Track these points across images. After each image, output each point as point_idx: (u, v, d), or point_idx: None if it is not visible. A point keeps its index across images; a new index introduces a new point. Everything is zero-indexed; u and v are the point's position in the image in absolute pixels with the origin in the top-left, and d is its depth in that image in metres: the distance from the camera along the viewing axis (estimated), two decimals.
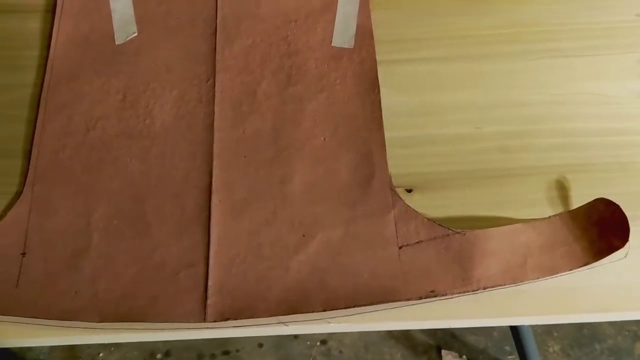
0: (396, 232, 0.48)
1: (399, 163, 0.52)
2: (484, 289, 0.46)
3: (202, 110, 0.54)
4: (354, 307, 0.46)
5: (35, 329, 0.45)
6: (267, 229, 0.49)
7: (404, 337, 1.06)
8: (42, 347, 1.02)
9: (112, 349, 1.04)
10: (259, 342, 1.06)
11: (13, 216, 0.49)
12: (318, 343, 1.06)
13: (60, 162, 0.51)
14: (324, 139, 0.53)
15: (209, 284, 0.47)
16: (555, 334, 1.07)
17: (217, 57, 0.57)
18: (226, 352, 1.05)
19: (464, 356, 1.05)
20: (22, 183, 0.50)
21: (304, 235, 0.49)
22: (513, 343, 1.00)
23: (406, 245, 0.48)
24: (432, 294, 0.46)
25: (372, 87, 0.56)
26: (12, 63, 0.57)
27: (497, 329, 1.06)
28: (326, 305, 0.46)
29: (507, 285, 0.46)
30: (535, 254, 0.47)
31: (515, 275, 0.46)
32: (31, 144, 0.52)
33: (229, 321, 0.45)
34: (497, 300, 0.47)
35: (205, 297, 0.46)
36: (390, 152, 0.52)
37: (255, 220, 0.49)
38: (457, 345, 1.06)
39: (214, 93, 0.55)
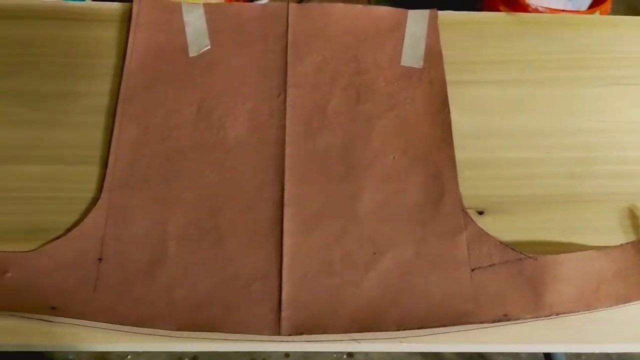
0: (468, 254, 0.49)
1: (469, 184, 0.53)
2: (557, 314, 0.46)
3: (274, 125, 0.55)
4: (427, 327, 0.46)
5: (110, 334, 0.46)
6: (337, 245, 0.49)
7: (432, 354, 1.06)
8: None
9: (141, 350, 1.04)
10: (286, 352, 1.06)
11: (90, 222, 0.49)
12: (345, 355, 1.06)
13: (136, 170, 0.52)
14: (394, 157, 0.54)
15: (282, 297, 0.47)
16: (583, 357, 1.06)
17: (288, 72, 0.58)
18: None
19: None
20: (99, 189, 0.51)
21: (374, 253, 0.49)
22: None
23: (478, 268, 0.48)
24: (505, 318, 0.46)
25: (442, 107, 0.56)
26: (90, 71, 0.58)
27: None
28: (400, 325, 0.46)
29: (580, 312, 0.46)
30: (609, 281, 0.47)
31: (588, 302, 0.46)
32: (108, 152, 0.53)
33: (303, 335, 0.46)
34: (567, 327, 0.47)
35: (279, 310, 0.46)
36: (460, 173, 0.53)
37: (326, 236, 0.50)
38: None
39: (285, 108, 0.56)
